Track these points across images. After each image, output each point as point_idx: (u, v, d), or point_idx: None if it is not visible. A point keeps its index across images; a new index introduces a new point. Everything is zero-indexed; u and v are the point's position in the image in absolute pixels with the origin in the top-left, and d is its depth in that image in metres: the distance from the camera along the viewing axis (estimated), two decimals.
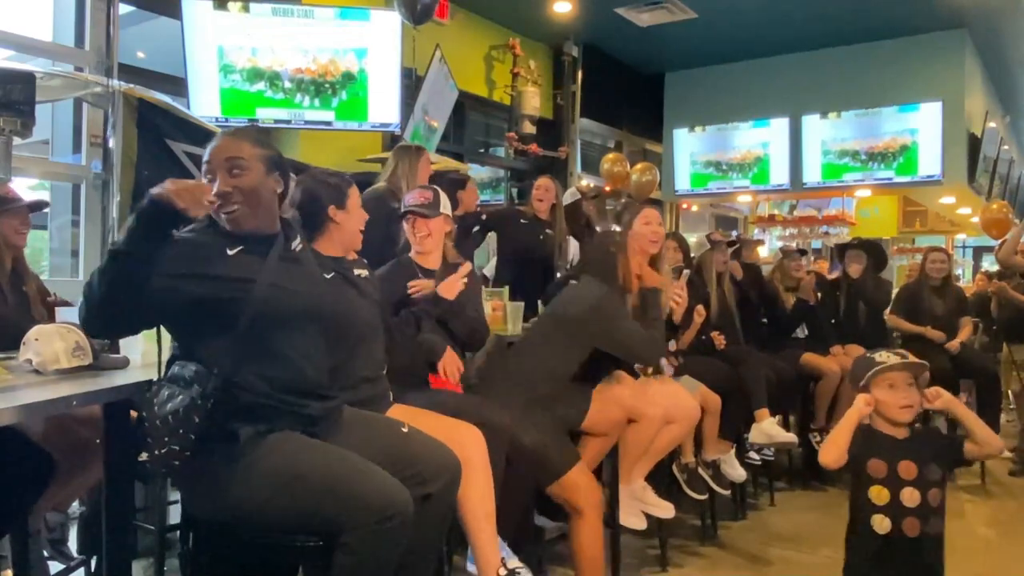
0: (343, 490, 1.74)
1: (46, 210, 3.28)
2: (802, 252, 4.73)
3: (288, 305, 1.85)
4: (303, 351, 1.87)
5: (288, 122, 3.73)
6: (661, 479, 3.30)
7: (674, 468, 3.45)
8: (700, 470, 3.48)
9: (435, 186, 2.88)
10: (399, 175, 3.53)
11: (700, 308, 3.73)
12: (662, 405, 3.01)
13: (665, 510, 3.10)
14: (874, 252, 4.88)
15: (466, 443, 2.21)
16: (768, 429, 3.74)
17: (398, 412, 2.31)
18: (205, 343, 1.76)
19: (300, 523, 1.78)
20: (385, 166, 3.66)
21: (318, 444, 1.84)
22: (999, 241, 7.51)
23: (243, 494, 1.75)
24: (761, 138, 8.03)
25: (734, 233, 10.45)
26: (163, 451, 1.68)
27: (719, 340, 3.89)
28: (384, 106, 3.48)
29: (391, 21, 3.85)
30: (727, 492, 3.66)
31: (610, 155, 7.61)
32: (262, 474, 1.75)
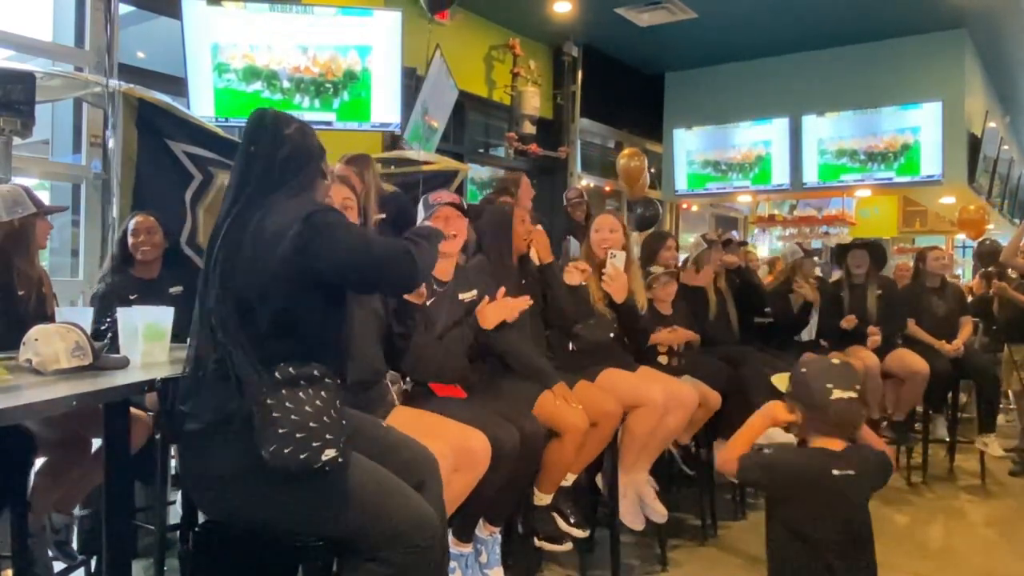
0: (390, 509, 1.74)
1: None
2: (817, 252, 4.75)
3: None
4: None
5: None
6: (660, 479, 3.30)
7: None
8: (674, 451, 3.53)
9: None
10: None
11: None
12: (663, 392, 3.03)
13: (660, 515, 3.11)
14: (875, 252, 4.83)
15: (473, 448, 2.23)
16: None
17: (403, 415, 2.31)
18: (329, 338, 1.78)
19: (341, 535, 1.76)
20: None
21: (363, 457, 1.82)
22: (976, 240, 7.59)
23: (315, 505, 1.71)
24: (762, 136, 8.03)
25: (734, 233, 10.47)
26: (342, 445, 1.65)
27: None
28: (386, 106, 3.42)
29: (392, 19, 3.87)
30: (692, 473, 3.65)
31: (626, 150, 7.61)
32: (339, 486, 1.71)
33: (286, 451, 1.60)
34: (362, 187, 2.84)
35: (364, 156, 3.37)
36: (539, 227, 3.09)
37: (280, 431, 1.61)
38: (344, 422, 1.69)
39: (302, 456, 1.61)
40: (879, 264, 4.86)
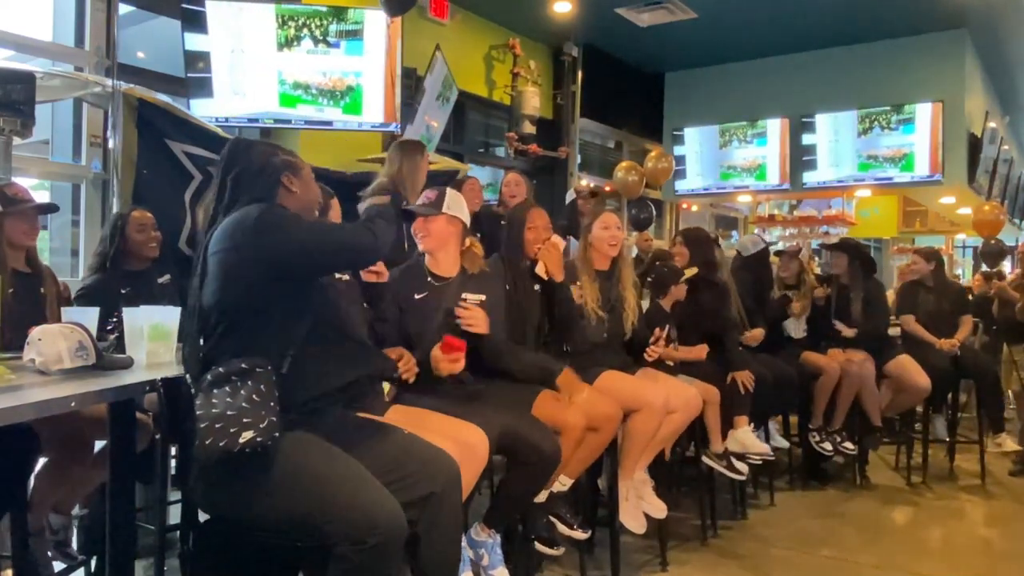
0: (337, 501, 1.74)
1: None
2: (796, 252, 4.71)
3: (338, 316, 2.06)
4: (340, 356, 2.02)
5: (294, 120, 4.46)
6: (660, 477, 3.30)
7: (706, 459, 3.50)
8: (712, 461, 3.50)
9: (448, 188, 2.67)
10: (403, 173, 3.48)
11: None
12: (662, 394, 3.03)
13: (659, 510, 3.11)
14: (855, 253, 4.71)
15: (472, 443, 2.22)
16: (742, 438, 3.69)
17: (397, 413, 2.31)
18: (284, 331, 1.87)
19: (292, 525, 1.78)
20: (387, 162, 3.63)
21: (329, 447, 1.85)
22: (984, 238, 7.62)
23: (255, 490, 1.77)
24: (761, 152, 8.05)
25: (734, 234, 10.49)
26: (263, 425, 1.71)
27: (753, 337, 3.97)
28: (374, 108, 4.57)
29: (380, 16, 4.44)
30: (743, 476, 3.67)
31: (654, 151, 7.61)
32: (279, 471, 1.76)
33: (207, 442, 1.71)
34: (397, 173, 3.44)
35: (411, 142, 3.82)
36: (553, 239, 2.99)
37: (202, 426, 1.72)
38: (273, 404, 1.76)
39: (221, 444, 1.70)
40: (866, 267, 4.68)
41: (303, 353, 1.88)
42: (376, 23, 4.46)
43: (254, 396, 1.73)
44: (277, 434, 1.74)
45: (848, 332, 4.48)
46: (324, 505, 1.73)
